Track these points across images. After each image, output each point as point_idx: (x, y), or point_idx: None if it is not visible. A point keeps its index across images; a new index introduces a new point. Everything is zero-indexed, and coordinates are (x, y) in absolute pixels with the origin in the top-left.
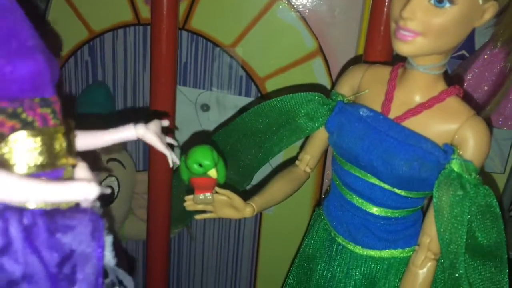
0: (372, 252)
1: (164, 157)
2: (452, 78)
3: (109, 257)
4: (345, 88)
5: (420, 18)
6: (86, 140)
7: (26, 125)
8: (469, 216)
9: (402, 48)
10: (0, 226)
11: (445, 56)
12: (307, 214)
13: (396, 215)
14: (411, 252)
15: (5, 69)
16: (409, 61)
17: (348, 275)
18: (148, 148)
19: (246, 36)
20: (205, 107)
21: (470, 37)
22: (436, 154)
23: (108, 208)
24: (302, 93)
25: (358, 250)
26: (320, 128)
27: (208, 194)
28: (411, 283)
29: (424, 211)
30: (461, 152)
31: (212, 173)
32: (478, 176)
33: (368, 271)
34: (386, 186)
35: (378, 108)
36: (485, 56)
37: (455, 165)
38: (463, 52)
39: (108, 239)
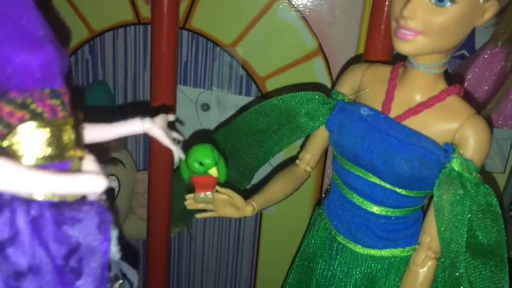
0: (372, 251)
1: (164, 156)
2: (453, 77)
3: (114, 251)
4: (346, 87)
5: (420, 17)
6: (94, 132)
7: (35, 116)
8: (469, 215)
9: (403, 47)
10: (7, 217)
11: (445, 55)
12: (307, 213)
13: (397, 214)
14: (412, 251)
15: (15, 59)
16: (409, 60)
17: (349, 274)
18: (148, 147)
19: (246, 35)
20: (206, 107)
21: (471, 37)
22: (436, 153)
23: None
24: (302, 92)
25: (359, 249)
26: (321, 127)
27: (208, 193)
28: (412, 282)
29: (424, 210)
30: (461, 151)
31: (213, 171)
32: (478, 175)
33: (368, 270)
34: (387, 185)
35: (378, 107)
36: (486, 56)
37: (455, 164)
38: (464, 51)
39: (114, 233)
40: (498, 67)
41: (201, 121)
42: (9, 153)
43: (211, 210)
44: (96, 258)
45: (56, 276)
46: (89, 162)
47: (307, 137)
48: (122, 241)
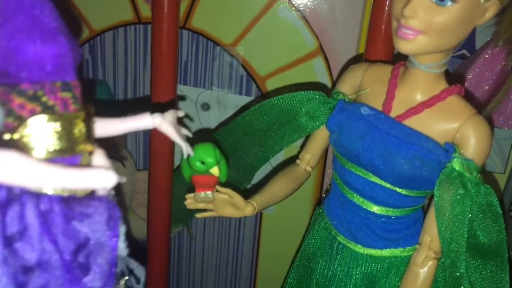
0: (373, 251)
1: (164, 156)
2: (453, 77)
3: (121, 247)
4: (346, 87)
5: (421, 16)
6: (103, 127)
7: (46, 109)
8: (470, 215)
9: (404, 46)
10: (17, 211)
11: (446, 54)
12: (307, 213)
13: (397, 214)
14: (412, 251)
15: (27, 50)
16: (410, 60)
17: (349, 274)
18: (148, 147)
19: (246, 35)
20: (206, 106)
21: (471, 37)
22: (437, 153)
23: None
24: (303, 92)
25: (359, 249)
26: (321, 126)
27: (209, 192)
28: (412, 282)
29: (425, 210)
30: (462, 151)
31: (214, 171)
32: (479, 175)
33: (368, 270)
34: (387, 185)
35: (379, 106)
36: (486, 56)
37: (456, 164)
38: (464, 51)
39: (122, 229)
40: (499, 67)
41: (201, 120)
42: (19, 146)
43: (211, 210)
44: (104, 254)
45: (64, 271)
46: (99, 157)
47: (307, 137)
48: (130, 238)
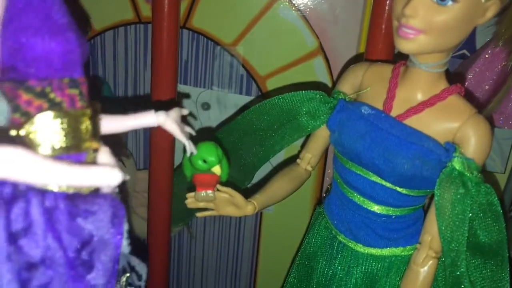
0: (373, 250)
1: (164, 155)
2: (454, 77)
3: (124, 244)
4: (347, 86)
5: (422, 15)
6: (108, 124)
7: (53, 106)
8: (470, 215)
9: (404, 45)
10: (22, 207)
11: (447, 54)
12: (307, 213)
13: (397, 213)
14: (412, 251)
15: (36, 46)
16: (411, 59)
17: (349, 273)
18: (148, 147)
19: (247, 34)
20: (206, 106)
21: (471, 36)
22: (437, 152)
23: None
24: (303, 91)
25: (359, 248)
26: (322, 126)
27: (209, 191)
28: (412, 282)
29: (425, 210)
30: (462, 150)
31: (216, 169)
32: (479, 174)
33: (369, 269)
34: (388, 184)
35: (380, 106)
36: (486, 55)
37: (456, 163)
38: (464, 51)
39: (125, 227)
40: (499, 66)
41: (202, 120)
42: (25, 142)
43: (211, 209)
44: (108, 251)
45: (68, 268)
46: (104, 154)
47: (308, 137)
48: (132, 235)
